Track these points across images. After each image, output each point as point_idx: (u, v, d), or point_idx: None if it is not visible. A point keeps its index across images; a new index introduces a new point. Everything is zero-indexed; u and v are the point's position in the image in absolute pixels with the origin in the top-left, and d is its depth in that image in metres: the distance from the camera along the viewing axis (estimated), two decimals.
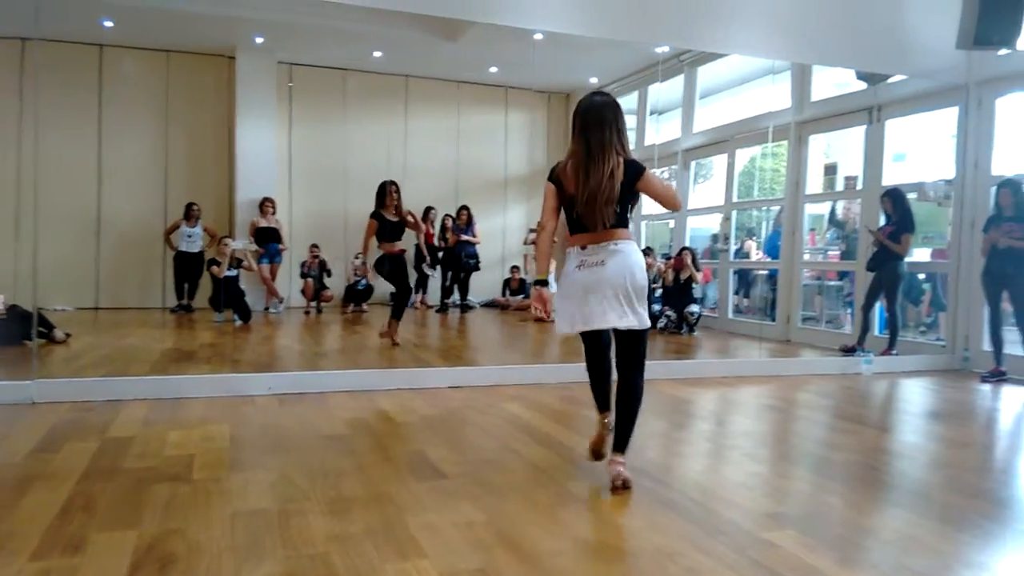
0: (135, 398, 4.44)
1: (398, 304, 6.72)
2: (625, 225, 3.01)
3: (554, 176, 3.08)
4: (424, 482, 3.01)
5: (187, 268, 9.29)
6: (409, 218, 6.70)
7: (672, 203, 3.12)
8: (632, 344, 3.05)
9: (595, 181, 2.92)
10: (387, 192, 6.53)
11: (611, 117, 3.00)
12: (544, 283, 3.07)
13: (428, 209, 9.92)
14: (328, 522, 2.54)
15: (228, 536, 2.41)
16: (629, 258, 2.96)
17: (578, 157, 2.99)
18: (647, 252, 9.54)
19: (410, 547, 2.35)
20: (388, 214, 6.55)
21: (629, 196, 3.00)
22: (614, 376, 3.14)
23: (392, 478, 3.05)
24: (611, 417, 3.15)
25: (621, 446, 3.04)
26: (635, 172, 2.97)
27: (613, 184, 2.92)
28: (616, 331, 3.03)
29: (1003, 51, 6.20)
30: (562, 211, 3.09)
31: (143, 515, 2.57)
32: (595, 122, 2.99)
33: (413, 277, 7.30)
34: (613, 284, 2.93)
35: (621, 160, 2.96)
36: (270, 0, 5.67)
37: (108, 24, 8.93)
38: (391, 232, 6.59)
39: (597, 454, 3.26)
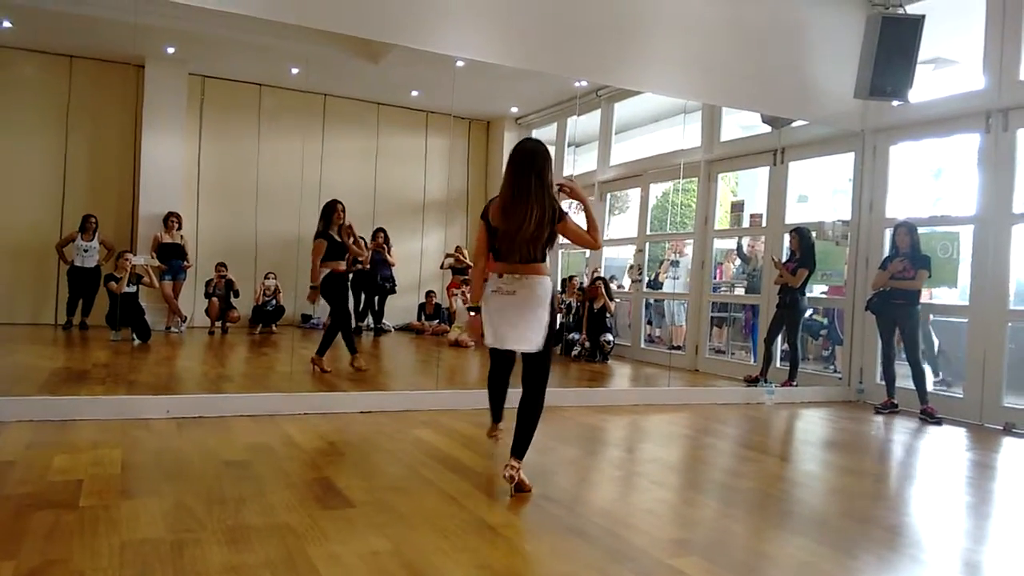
0: (19, 420, 4.15)
1: (337, 332, 6.42)
2: (541, 260, 3.33)
3: (485, 213, 3.40)
4: (328, 510, 2.91)
5: (82, 284, 8.82)
6: (351, 241, 6.63)
7: (589, 245, 3.45)
8: (533, 365, 3.37)
9: (515, 222, 3.23)
10: (335, 211, 6.42)
11: (537, 164, 3.27)
12: (477, 310, 3.39)
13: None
14: (225, 552, 2.42)
15: (116, 567, 2.26)
16: (535, 293, 3.28)
17: (504, 198, 3.29)
18: (569, 280, 9.67)
19: None
20: (334, 234, 6.42)
21: (548, 237, 3.30)
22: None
23: (295, 506, 2.94)
24: (499, 430, 3.81)
25: (519, 452, 3.31)
26: (555, 217, 3.27)
27: (531, 227, 3.22)
28: (508, 356, 3.47)
29: (896, 102, 6.63)
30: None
31: (22, 545, 2.39)
32: (519, 168, 3.28)
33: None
34: (518, 314, 3.28)
35: (544, 205, 3.24)
36: (183, 9, 5.45)
37: (7, 25, 8.48)
38: (338, 251, 6.44)
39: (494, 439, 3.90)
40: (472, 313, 3.44)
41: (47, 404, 4.39)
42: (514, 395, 3.59)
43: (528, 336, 3.27)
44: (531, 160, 3.28)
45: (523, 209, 3.22)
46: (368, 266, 9.52)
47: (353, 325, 7.42)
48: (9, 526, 2.56)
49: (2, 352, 6.95)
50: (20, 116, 9.22)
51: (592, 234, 3.41)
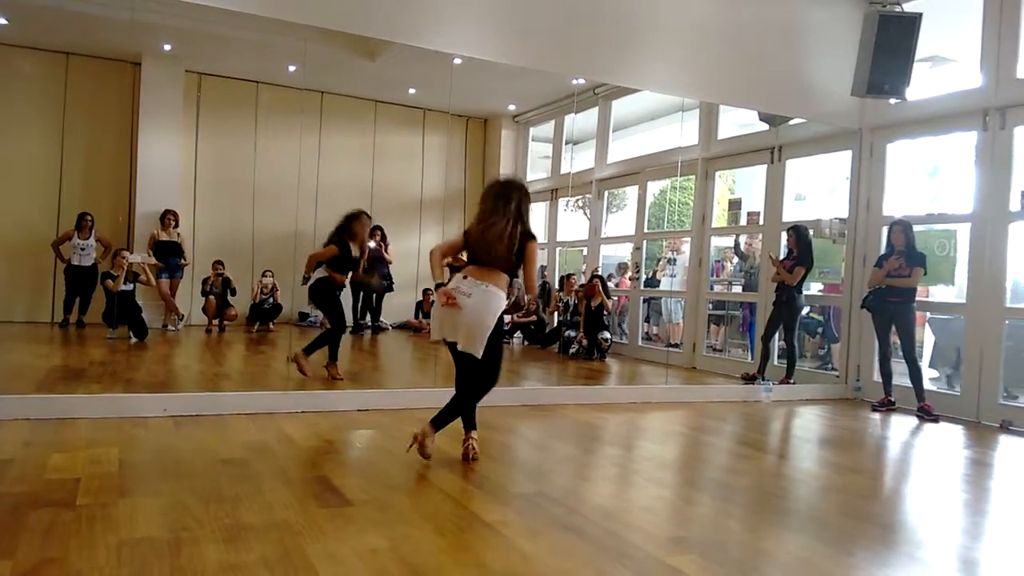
0: (16, 418, 4.14)
1: (334, 341, 6.04)
2: (506, 271, 3.65)
3: (467, 230, 3.77)
4: (326, 508, 2.91)
5: (79, 282, 8.80)
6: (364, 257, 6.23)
7: (529, 285, 3.86)
8: (477, 370, 3.66)
9: (489, 234, 3.62)
10: (362, 224, 5.98)
11: (510, 194, 3.69)
12: (442, 284, 3.64)
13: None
14: (222, 551, 2.42)
15: (113, 566, 2.26)
16: (488, 301, 3.56)
17: (482, 216, 3.70)
18: (567, 278, 9.66)
19: None
20: (353, 246, 5.99)
21: (516, 256, 3.65)
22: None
23: (292, 504, 2.94)
24: (472, 442, 3.78)
25: (437, 424, 3.64)
26: (524, 239, 3.65)
27: (502, 241, 3.59)
28: (462, 354, 3.63)
29: (893, 100, 6.63)
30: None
31: (19, 543, 2.39)
32: (494, 195, 3.71)
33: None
34: (467, 315, 3.53)
35: (517, 227, 3.64)
36: (180, 6, 5.45)
37: (2, 21, 8.45)
38: (346, 265, 6.02)
39: (470, 459, 3.75)
40: (438, 288, 3.64)
41: (44, 402, 4.38)
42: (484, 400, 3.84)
43: (469, 339, 3.55)
44: (502, 189, 3.71)
45: (496, 225, 3.61)
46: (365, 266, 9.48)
47: (348, 326, 7.13)
48: (6, 525, 2.55)
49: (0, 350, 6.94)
50: (16, 113, 9.18)
51: (532, 275, 3.81)
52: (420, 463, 3.70)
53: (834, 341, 8.07)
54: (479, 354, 3.56)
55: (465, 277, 3.63)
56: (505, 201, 3.67)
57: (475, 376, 3.70)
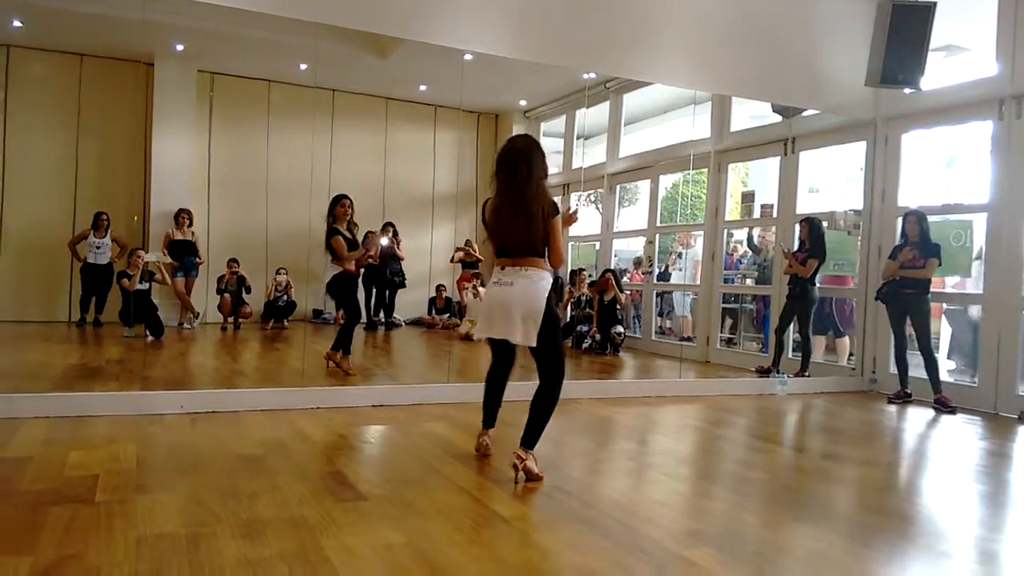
0: (35, 416, 4.19)
1: (347, 334, 6.16)
2: (540, 255, 3.44)
3: (485, 215, 3.56)
4: (342, 503, 2.93)
5: (95, 280, 8.89)
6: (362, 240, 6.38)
7: (556, 257, 3.49)
8: (540, 360, 3.44)
9: (507, 221, 3.41)
10: (339, 205, 6.14)
11: (516, 162, 3.41)
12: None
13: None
14: (240, 546, 2.44)
15: (132, 561, 2.28)
16: (533, 286, 3.37)
17: (495, 198, 3.49)
18: (578, 272, 9.64)
19: (325, 571, 2.28)
20: (342, 227, 6.13)
21: (544, 232, 3.41)
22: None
23: (308, 499, 2.96)
24: (487, 438, 3.73)
25: (526, 442, 3.36)
26: (548, 215, 3.40)
27: (524, 224, 3.37)
28: (530, 349, 3.41)
29: (908, 90, 6.57)
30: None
31: (39, 539, 2.41)
32: (507, 166, 3.42)
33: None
34: (515, 304, 3.35)
35: (535, 201, 3.38)
36: (192, 7, 5.48)
37: (17, 24, 8.53)
38: (354, 245, 6.19)
39: (481, 454, 3.74)
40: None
41: (62, 400, 4.43)
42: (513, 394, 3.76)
43: (520, 328, 3.34)
44: (515, 158, 3.41)
45: (513, 208, 3.38)
46: (378, 260, 9.51)
47: (363, 319, 7.21)
48: (26, 521, 2.58)
49: (17, 349, 7.01)
50: (32, 115, 9.28)
51: (560, 247, 3.50)
52: (434, 458, 3.71)
53: (837, 335, 8.00)
54: (533, 341, 3.32)
55: (502, 268, 3.46)
56: (511, 171, 3.40)
57: (540, 375, 3.44)
